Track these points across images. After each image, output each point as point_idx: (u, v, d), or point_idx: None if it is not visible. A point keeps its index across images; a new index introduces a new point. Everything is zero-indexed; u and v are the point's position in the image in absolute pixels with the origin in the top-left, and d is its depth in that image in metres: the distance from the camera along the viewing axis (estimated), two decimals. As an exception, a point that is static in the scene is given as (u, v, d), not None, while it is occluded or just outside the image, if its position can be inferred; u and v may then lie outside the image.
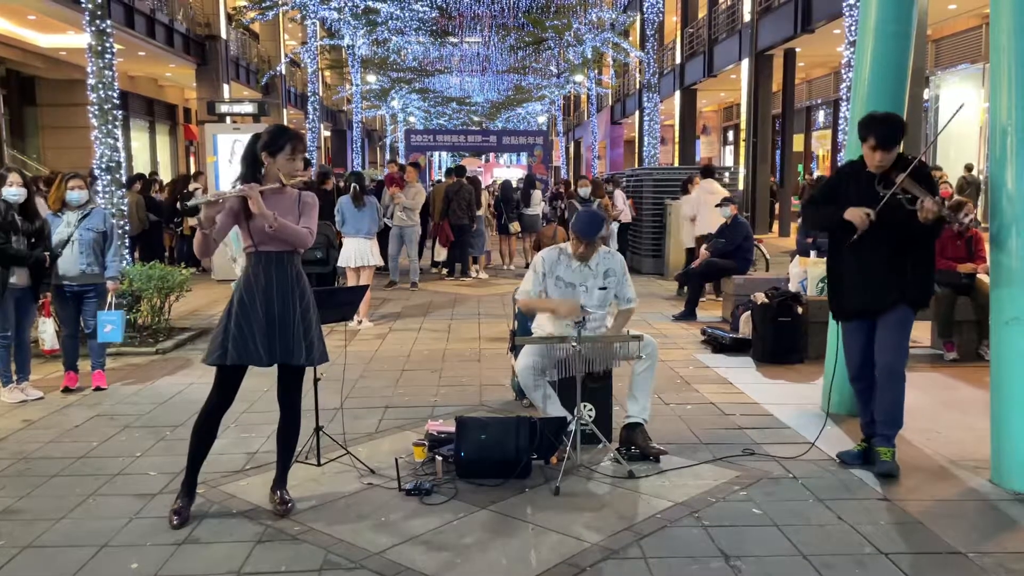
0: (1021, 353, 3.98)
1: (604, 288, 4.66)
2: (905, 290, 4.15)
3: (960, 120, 16.52)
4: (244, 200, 3.60)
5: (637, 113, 26.75)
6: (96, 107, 8.13)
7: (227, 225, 3.67)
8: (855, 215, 4.03)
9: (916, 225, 4.01)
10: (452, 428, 4.29)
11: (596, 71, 31.47)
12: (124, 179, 8.89)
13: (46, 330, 6.37)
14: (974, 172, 16.22)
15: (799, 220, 9.46)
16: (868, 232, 4.04)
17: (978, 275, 6.72)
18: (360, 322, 8.64)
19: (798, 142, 23.73)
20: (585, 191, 11.35)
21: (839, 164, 4.71)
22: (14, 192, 5.57)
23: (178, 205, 13.41)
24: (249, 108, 16.67)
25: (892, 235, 4.08)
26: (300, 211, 3.74)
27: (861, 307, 4.25)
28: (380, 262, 9.18)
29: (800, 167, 22.53)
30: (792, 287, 7.31)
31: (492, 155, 39.01)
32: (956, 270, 6.78)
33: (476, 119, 47.27)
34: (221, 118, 16.05)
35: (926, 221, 3.96)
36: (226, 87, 23.45)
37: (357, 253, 8.72)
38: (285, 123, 27.61)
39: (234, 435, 4.94)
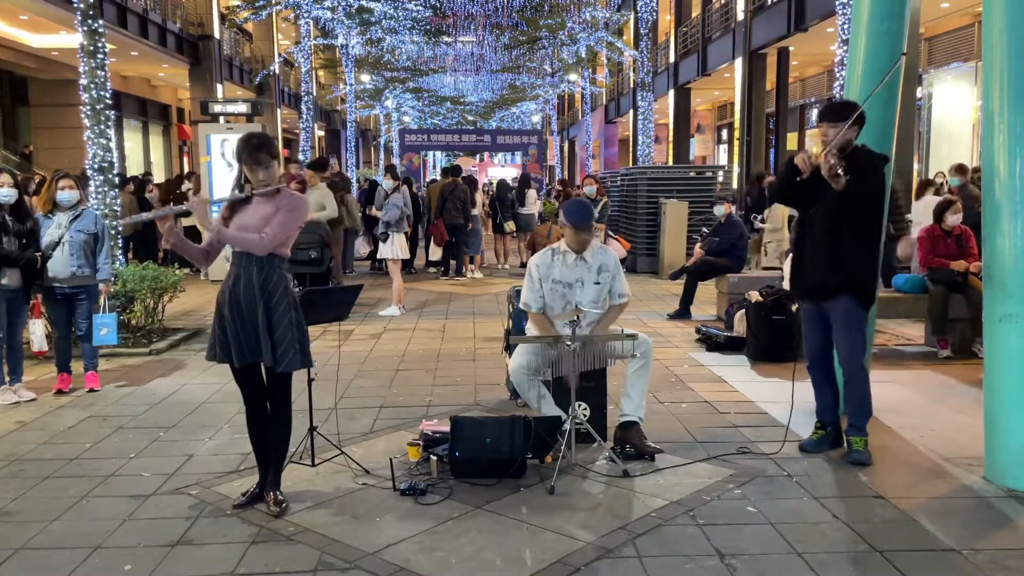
0: (1014, 350, 3.99)
1: (599, 283, 4.66)
2: (847, 273, 4.25)
3: (953, 118, 16.62)
4: (231, 204, 3.78)
5: (631, 112, 26.76)
6: (88, 107, 8.09)
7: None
8: (799, 158, 4.19)
9: (851, 198, 4.11)
10: (447, 428, 4.28)
11: (590, 70, 31.48)
12: (117, 180, 8.85)
13: (35, 331, 6.35)
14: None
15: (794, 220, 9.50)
16: (818, 221, 4.23)
17: (970, 273, 6.73)
18: (403, 308, 9.56)
19: (792, 140, 23.73)
20: (591, 190, 11.46)
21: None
22: (5, 193, 5.54)
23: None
24: (243, 108, 16.61)
25: (834, 222, 4.21)
26: (275, 215, 3.69)
27: (809, 286, 4.39)
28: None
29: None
30: (786, 285, 7.31)
31: (487, 154, 39.01)
32: (949, 267, 6.80)
33: (470, 118, 47.22)
34: (215, 118, 15.99)
35: (829, 175, 4.03)
36: (219, 87, 23.36)
37: (405, 247, 9.76)
38: (279, 122, 27.57)
39: (228, 436, 4.93)
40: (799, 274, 4.49)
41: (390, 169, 10.58)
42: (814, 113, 23.88)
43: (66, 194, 5.90)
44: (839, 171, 4.01)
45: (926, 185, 11.05)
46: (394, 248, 9.49)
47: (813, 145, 4.27)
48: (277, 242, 3.68)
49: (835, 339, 4.40)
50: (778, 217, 10.53)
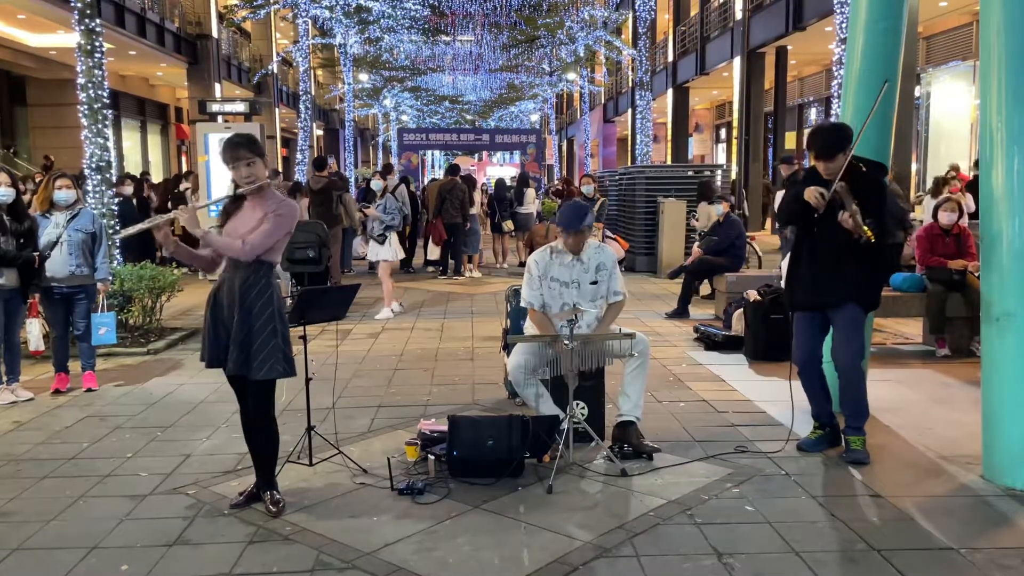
0: (1011, 349, 3.99)
1: (596, 283, 4.67)
2: (853, 290, 4.29)
3: (951, 117, 16.64)
4: (224, 211, 3.80)
5: (630, 111, 26.76)
6: (86, 107, 8.08)
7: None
8: (810, 194, 4.16)
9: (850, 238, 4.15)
10: (445, 427, 4.28)
11: (589, 69, 31.45)
12: (114, 179, 8.84)
13: (32, 331, 6.35)
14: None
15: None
16: (823, 231, 4.20)
17: (969, 272, 6.73)
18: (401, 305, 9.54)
19: (790, 139, 23.75)
20: (588, 189, 11.46)
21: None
22: (2, 192, 5.53)
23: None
24: (241, 107, 16.60)
25: (840, 236, 4.18)
26: (262, 221, 3.67)
27: (810, 303, 4.42)
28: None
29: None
30: (784, 284, 7.31)
31: (485, 153, 38.99)
32: (947, 266, 6.80)
33: (469, 118, 47.22)
34: (212, 117, 15.99)
35: (853, 232, 4.07)
36: (218, 86, 23.33)
37: (400, 247, 9.71)
38: (277, 122, 27.54)
39: (225, 435, 4.93)
40: (797, 287, 4.47)
41: (385, 169, 10.46)
42: (812, 112, 23.92)
43: (63, 193, 5.89)
44: (864, 230, 4.05)
45: (942, 183, 11.09)
46: (393, 250, 9.38)
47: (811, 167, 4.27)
48: (261, 249, 3.63)
49: (836, 341, 4.40)
50: (705, 216, 10.85)
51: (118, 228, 8.52)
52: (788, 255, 4.79)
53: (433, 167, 47.10)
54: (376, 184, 9.83)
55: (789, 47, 19.28)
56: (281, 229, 3.67)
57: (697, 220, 11.26)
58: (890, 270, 4.43)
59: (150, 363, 7.00)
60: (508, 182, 15.76)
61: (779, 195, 12.26)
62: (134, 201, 12.42)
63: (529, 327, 4.84)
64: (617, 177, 15.36)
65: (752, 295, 6.94)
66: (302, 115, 22.79)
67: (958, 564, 3.23)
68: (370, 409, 5.47)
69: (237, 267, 3.69)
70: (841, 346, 4.35)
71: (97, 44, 8.09)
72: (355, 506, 3.84)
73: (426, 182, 21.75)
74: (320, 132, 40.10)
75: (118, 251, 8.35)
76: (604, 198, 11.99)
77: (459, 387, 6.04)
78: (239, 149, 3.67)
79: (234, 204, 3.78)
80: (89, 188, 8.09)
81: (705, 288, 9.89)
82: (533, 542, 3.45)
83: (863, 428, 4.38)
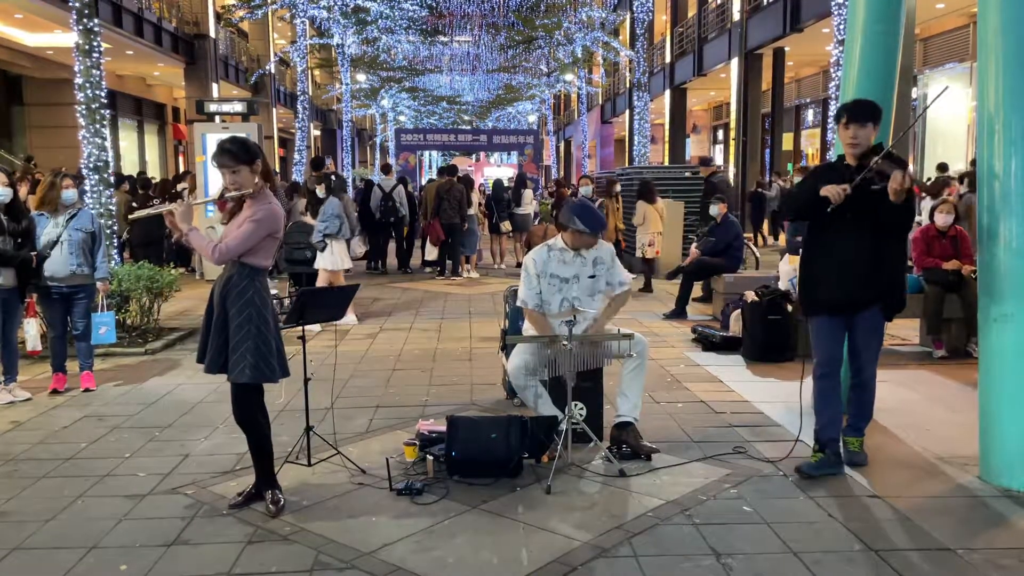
0: (1009, 350, 4.00)
1: (594, 276, 4.67)
2: (881, 289, 4.14)
3: (948, 118, 16.68)
4: (231, 210, 3.82)
5: (627, 112, 26.77)
6: (84, 106, 8.08)
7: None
8: (830, 190, 3.97)
9: (887, 210, 3.94)
10: (443, 427, 4.29)
11: (586, 70, 31.48)
12: (112, 179, 8.83)
13: (30, 331, 6.34)
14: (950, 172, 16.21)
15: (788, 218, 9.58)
16: (845, 225, 4.01)
17: (964, 273, 6.74)
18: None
19: (787, 141, 23.81)
20: (587, 190, 11.42)
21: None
22: (0, 192, 5.53)
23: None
24: (238, 107, 16.53)
25: (868, 228, 4.04)
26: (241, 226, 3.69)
27: (836, 301, 4.16)
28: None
29: (790, 165, 22.60)
30: (782, 285, 7.33)
31: (483, 154, 38.99)
32: (942, 267, 6.82)
33: (466, 118, 47.22)
34: (210, 117, 15.94)
35: (897, 195, 3.84)
36: (215, 86, 23.30)
37: (346, 255, 9.02)
38: (275, 122, 27.53)
39: (224, 435, 4.93)
40: (817, 286, 4.22)
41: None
42: (810, 113, 23.96)
43: (69, 192, 5.91)
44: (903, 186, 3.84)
45: (942, 185, 11.12)
46: (334, 258, 8.62)
47: (813, 137, 4.22)
48: (230, 255, 3.64)
49: (858, 346, 4.26)
50: (641, 214, 11.11)
51: (115, 228, 8.52)
52: (786, 256, 4.76)
53: (431, 167, 47.12)
54: (319, 192, 9.22)
55: (787, 48, 19.32)
56: (255, 235, 3.64)
57: (634, 217, 11.34)
58: (911, 215, 4.07)
59: (148, 363, 6.99)
60: (506, 183, 15.75)
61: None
62: (133, 204, 12.42)
63: (527, 328, 4.84)
64: (615, 178, 15.36)
65: (750, 296, 6.96)
66: (300, 115, 22.78)
67: (955, 564, 3.24)
68: (368, 409, 5.47)
69: (227, 268, 3.73)
70: (863, 351, 4.26)
71: (95, 44, 8.09)
72: (354, 506, 3.85)
73: (424, 182, 21.74)
74: (318, 132, 40.06)
75: (116, 251, 8.34)
76: (603, 200, 11.99)
77: (457, 387, 6.05)
78: (223, 157, 3.68)
79: (237, 205, 3.80)
80: (87, 188, 8.08)
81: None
82: (532, 542, 3.46)
83: (864, 430, 4.37)
